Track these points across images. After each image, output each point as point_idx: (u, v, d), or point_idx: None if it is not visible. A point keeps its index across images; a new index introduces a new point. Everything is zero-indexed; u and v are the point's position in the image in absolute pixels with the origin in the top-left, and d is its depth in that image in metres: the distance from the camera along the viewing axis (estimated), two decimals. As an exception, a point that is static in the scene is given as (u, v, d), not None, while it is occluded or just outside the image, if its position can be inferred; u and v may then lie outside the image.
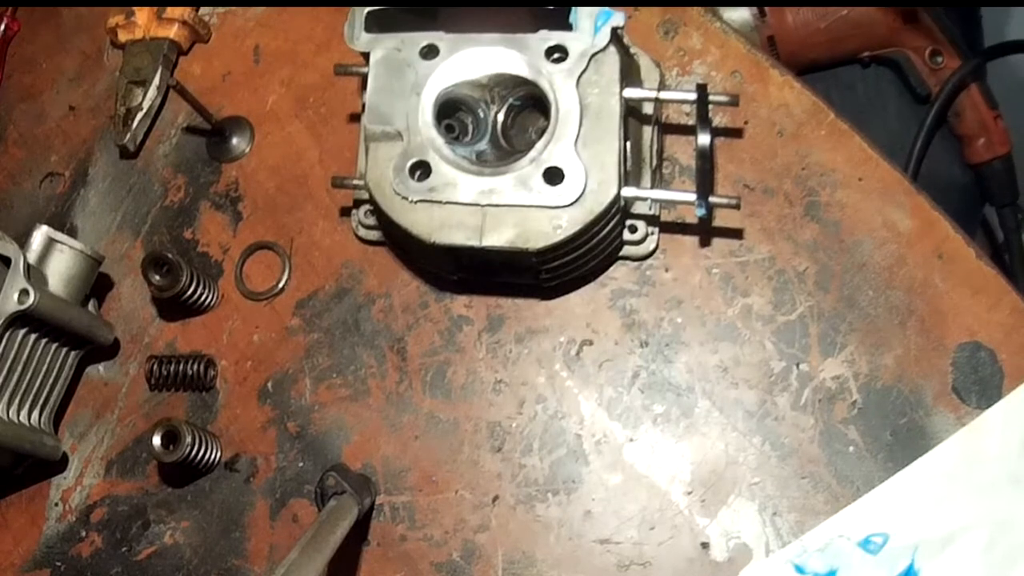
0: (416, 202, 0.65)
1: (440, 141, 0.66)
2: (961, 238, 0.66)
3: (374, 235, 0.75)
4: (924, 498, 0.62)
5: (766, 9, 0.99)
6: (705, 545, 0.65)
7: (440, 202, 0.65)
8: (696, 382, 0.68)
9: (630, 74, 0.68)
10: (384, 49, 0.68)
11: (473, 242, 0.64)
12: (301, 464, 0.73)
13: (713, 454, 0.66)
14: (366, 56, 0.69)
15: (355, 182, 0.70)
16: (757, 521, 0.64)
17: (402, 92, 0.67)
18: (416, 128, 0.66)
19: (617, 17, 0.65)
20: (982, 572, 0.59)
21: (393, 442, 0.71)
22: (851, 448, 0.64)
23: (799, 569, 0.62)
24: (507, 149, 0.69)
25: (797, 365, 0.67)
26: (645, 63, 0.71)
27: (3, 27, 0.94)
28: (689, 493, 0.66)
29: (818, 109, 0.71)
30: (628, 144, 0.66)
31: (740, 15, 0.96)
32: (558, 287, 0.71)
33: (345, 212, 0.77)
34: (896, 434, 0.64)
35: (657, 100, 0.67)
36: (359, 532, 0.69)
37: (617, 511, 0.66)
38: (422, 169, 0.66)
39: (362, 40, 0.69)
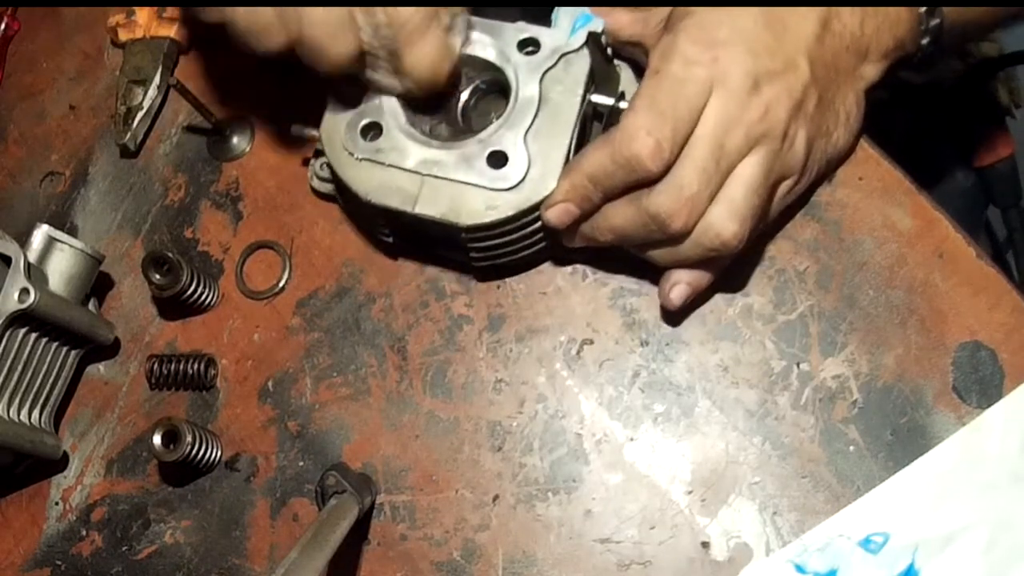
0: (360, 160, 0.67)
1: (398, 108, 0.68)
2: (961, 237, 0.66)
3: (327, 188, 0.76)
4: (924, 497, 0.62)
5: None
6: (705, 544, 0.64)
7: (383, 164, 0.66)
8: (696, 381, 0.68)
9: (606, 81, 0.68)
10: None
11: (406, 207, 0.65)
12: (301, 463, 0.73)
13: (713, 453, 0.66)
14: None
15: (312, 133, 0.71)
16: (757, 520, 0.64)
17: None
18: None
19: (596, 23, 0.66)
20: (983, 572, 0.59)
21: (393, 441, 0.71)
22: (851, 447, 0.64)
23: (799, 568, 0.62)
24: (463, 128, 0.70)
25: (797, 364, 0.67)
26: (627, 76, 0.72)
27: (3, 27, 0.94)
28: (689, 492, 0.66)
29: (818, 108, 0.71)
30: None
31: None
32: (490, 270, 0.72)
33: (346, 213, 0.77)
34: (896, 433, 0.64)
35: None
36: (359, 531, 0.69)
37: (617, 510, 0.66)
38: (375, 131, 0.67)
39: None
